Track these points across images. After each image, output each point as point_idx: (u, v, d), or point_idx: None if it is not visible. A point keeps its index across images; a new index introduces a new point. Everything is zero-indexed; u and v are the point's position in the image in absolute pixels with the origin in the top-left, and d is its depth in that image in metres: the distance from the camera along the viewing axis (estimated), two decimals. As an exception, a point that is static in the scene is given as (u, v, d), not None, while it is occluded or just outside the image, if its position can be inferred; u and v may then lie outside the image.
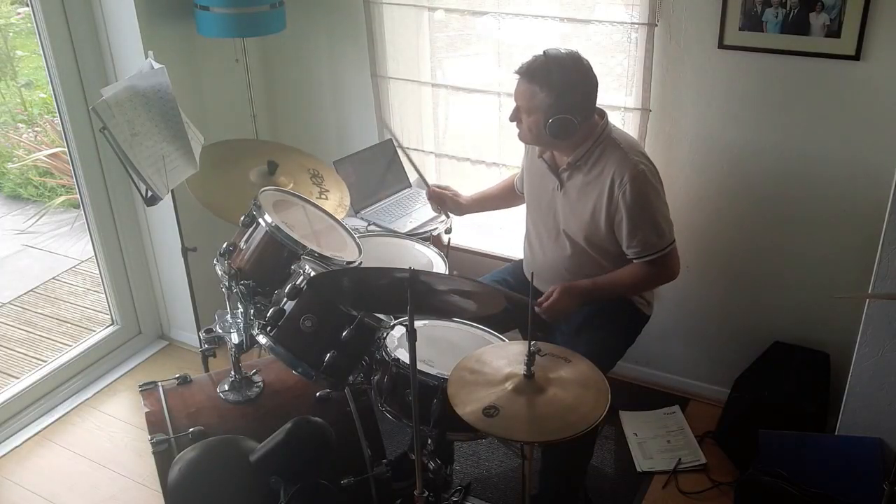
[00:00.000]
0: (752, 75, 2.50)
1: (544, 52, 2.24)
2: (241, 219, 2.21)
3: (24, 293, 4.05)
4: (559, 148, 2.36)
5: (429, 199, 2.79)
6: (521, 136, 2.38)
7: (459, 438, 2.09)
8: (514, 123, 2.35)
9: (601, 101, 2.35)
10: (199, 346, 2.57)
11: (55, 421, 3.02)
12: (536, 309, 2.33)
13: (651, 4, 2.53)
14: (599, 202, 2.30)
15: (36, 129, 5.35)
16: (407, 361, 1.89)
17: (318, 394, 2.27)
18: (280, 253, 2.13)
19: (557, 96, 2.20)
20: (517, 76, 2.27)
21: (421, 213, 2.91)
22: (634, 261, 2.34)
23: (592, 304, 2.41)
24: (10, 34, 5.61)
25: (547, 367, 1.84)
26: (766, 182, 2.62)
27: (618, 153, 2.28)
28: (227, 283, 2.19)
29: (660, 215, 2.32)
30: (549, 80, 2.20)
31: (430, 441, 1.99)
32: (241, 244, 2.20)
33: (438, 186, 2.79)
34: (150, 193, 2.32)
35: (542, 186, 2.47)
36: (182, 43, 2.98)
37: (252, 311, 2.19)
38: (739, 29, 2.44)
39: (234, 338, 2.28)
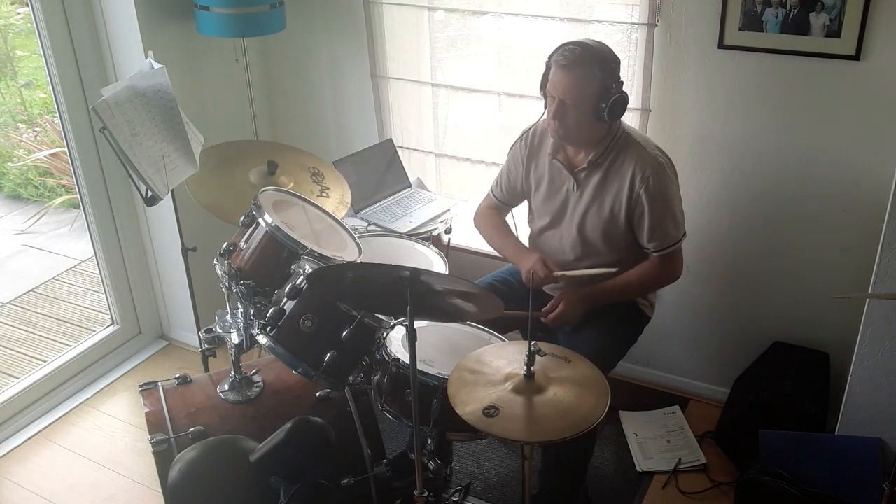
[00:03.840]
0: (752, 75, 2.50)
1: (569, 43, 2.22)
2: (241, 219, 2.20)
3: (24, 293, 4.05)
4: (591, 142, 2.32)
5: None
6: (562, 136, 2.31)
7: (459, 438, 2.09)
8: (556, 124, 2.27)
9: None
10: (199, 346, 2.56)
11: (55, 421, 3.02)
12: (542, 319, 2.34)
13: (651, 4, 2.53)
14: (619, 197, 2.31)
15: (36, 129, 5.35)
16: (407, 361, 1.89)
17: (318, 394, 2.27)
18: (280, 253, 2.13)
19: (610, 75, 2.21)
20: (562, 70, 2.21)
21: (421, 213, 2.92)
22: (653, 254, 2.35)
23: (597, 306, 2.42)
24: (10, 34, 5.61)
25: (547, 367, 1.84)
26: (766, 182, 2.62)
27: (636, 148, 2.30)
28: (227, 283, 2.19)
29: (677, 207, 2.35)
30: (600, 62, 2.20)
31: (430, 441, 1.99)
32: (241, 244, 2.20)
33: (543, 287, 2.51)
34: (150, 193, 2.32)
35: (554, 188, 2.45)
36: (182, 43, 2.98)
37: (252, 311, 2.19)
38: (739, 29, 2.44)
39: (234, 338, 2.28)
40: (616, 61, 2.24)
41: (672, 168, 2.35)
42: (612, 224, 2.35)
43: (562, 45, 2.24)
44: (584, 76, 2.19)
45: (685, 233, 2.38)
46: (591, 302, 2.37)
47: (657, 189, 2.26)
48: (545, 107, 2.32)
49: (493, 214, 2.67)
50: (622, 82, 2.25)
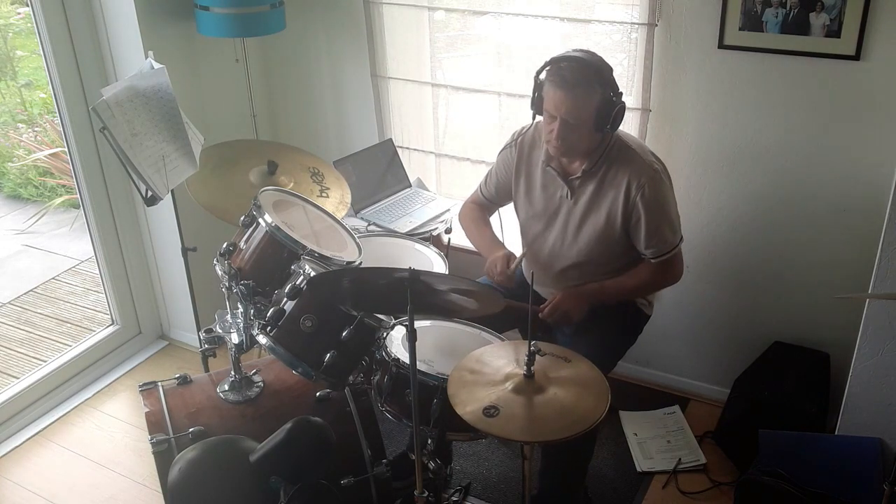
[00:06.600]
0: (752, 75, 2.50)
1: (561, 59, 2.17)
2: (241, 219, 2.21)
3: (24, 293, 4.05)
4: (589, 153, 2.29)
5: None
6: (563, 152, 2.27)
7: (459, 438, 2.09)
8: (558, 143, 2.22)
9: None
10: (199, 346, 2.56)
11: (55, 421, 3.02)
12: (539, 314, 2.34)
13: (651, 4, 2.53)
14: (615, 205, 2.29)
15: (36, 129, 5.35)
16: (407, 361, 1.89)
17: (318, 394, 2.27)
18: (280, 253, 2.13)
19: (609, 86, 2.18)
20: (561, 90, 2.14)
21: (421, 213, 2.92)
22: (652, 261, 2.34)
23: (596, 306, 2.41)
24: (10, 34, 5.61)
25: (547, 367, 1.84)
26: (766, 182, 2.62)
27: (631, 155, 2.28)
28: (227, 283, 2.19)
29: (673, 213, 2.34)
30: (597, 75, 2.16)
31: (430, 441, 1.99)
32: (241, 244, 2.20)
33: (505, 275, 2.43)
34: (150, 193, 2.32)
35: (547, 195, 2.42)
36: (182, 43, 2.98)
37: (252, 311, 2.19)
38: (739, 29, 2.44)
39: (234, 338, 2.28)
40: (610, 69, 2.20)
41: (667, 174, 2.33)
42: (609, 232, 2.33)
43: (554, 62, 2.18)
44: (586, 94, 2.15)
45: (682, 237, 2.37)
46: (590, 299, 2.36)
47: (653, 197, 2.25)
48: (533, 117, 2.30)
49: (475, 209, 2.66)
50: (621, 92, 2.21)
